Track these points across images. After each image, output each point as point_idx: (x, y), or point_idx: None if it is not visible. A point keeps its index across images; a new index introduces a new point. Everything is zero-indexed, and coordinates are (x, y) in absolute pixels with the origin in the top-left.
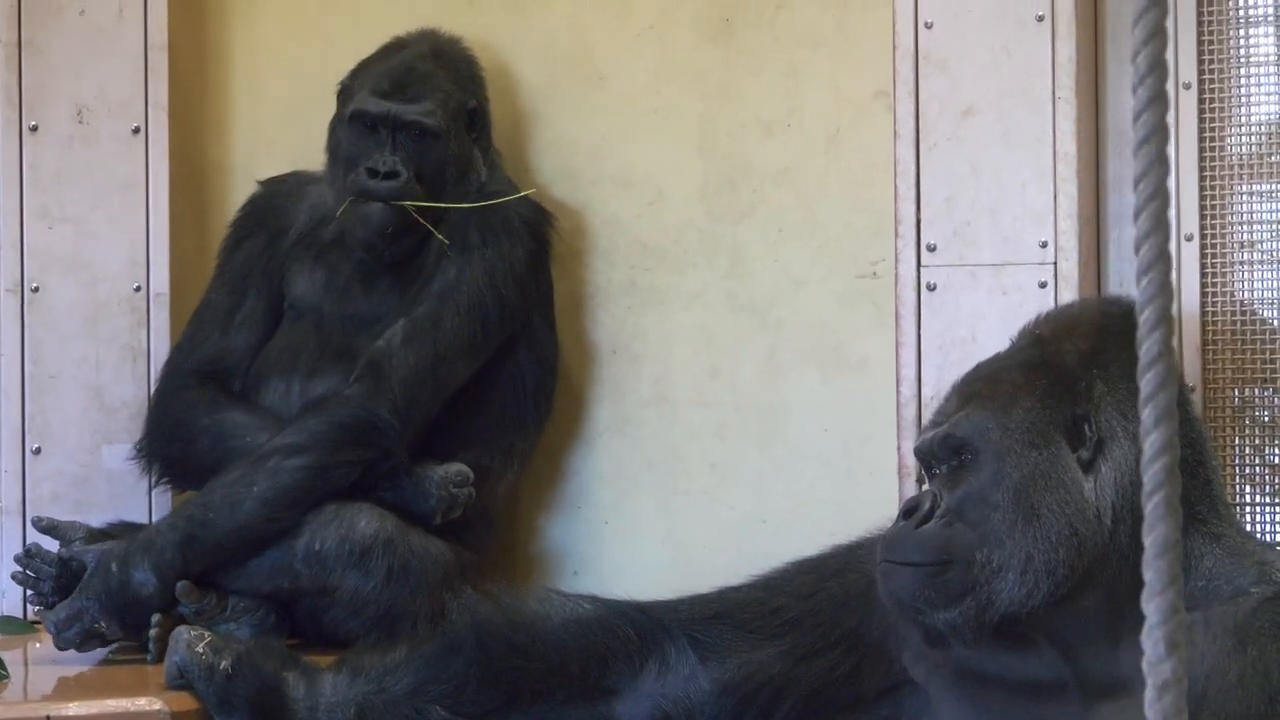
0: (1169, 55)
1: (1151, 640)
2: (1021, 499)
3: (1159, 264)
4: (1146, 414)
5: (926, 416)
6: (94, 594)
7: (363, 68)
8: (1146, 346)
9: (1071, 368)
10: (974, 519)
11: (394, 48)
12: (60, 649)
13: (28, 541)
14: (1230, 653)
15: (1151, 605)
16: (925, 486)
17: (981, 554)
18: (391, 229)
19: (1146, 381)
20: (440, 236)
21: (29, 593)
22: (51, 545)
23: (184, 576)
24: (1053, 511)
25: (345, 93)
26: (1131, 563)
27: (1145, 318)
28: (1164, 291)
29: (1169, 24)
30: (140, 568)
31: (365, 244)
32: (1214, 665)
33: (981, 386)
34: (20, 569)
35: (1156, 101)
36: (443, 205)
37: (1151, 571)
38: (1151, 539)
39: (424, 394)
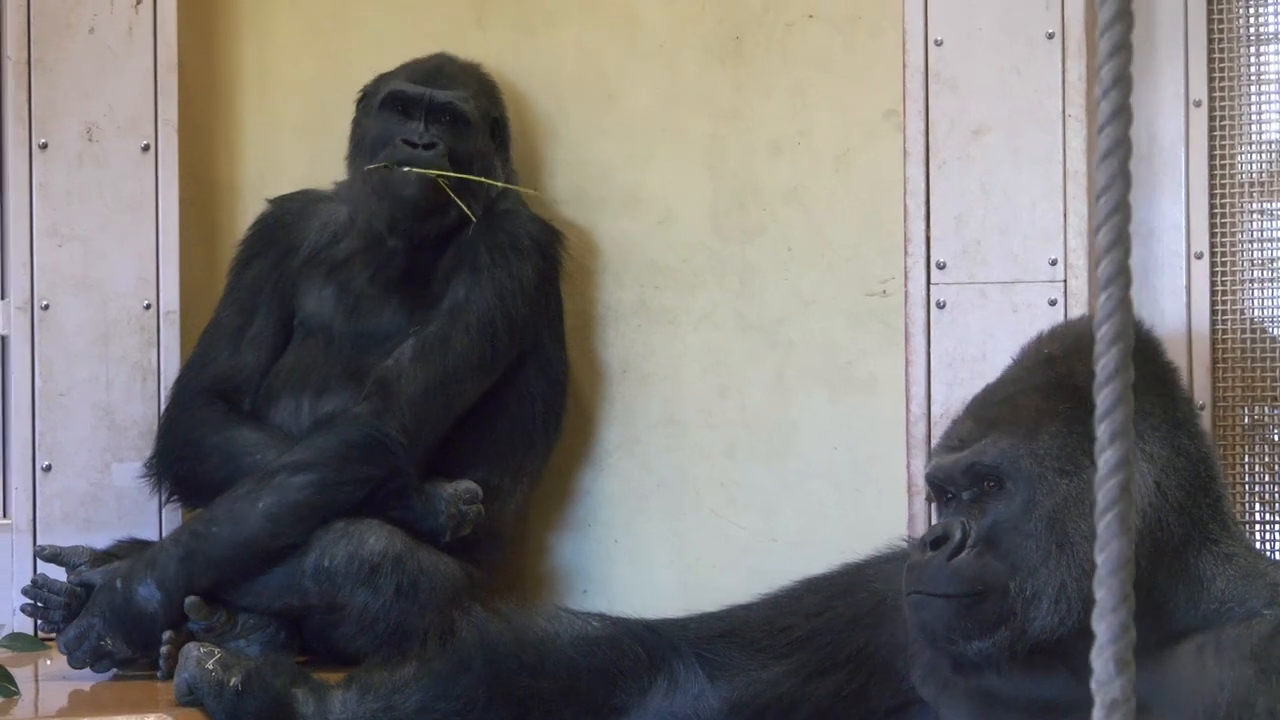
0: (1179, 72)
1: (1101, 659)
2: (1055, 527)
3: (1119, 279)
4: (1102, 430)
5: (936, 436)
6: (99, 612)
7: (385, 75)
8: (1104, 363)
9: (1088, 389)
10: (1004, 548)
11: (418, 59)
12: (75, 668)
13: (37, 558)
14: (1253, 682)
15: (1102, 624)
16: (934, 507)
17: (1015, 584)
18: (424, 202)
19: (1103, 397)
20: (481, 180)
21: (40, 622)
22: (59, 573)
23: (189, 591)
24: (1085, 539)
25: (369, 95)
26: (1145, 587)
27: (1103, 333)
28: (1123, 307)
29: (1178, 39)
30: (144, 583)
31: (391, 220)
32: (1235, 695)
33: (1001, 411)
34: (29, 600)
35: (1120, 115)
36: (477, 179)
37: (1104, 590)
38: (1104, 557)
39: (433, 413)
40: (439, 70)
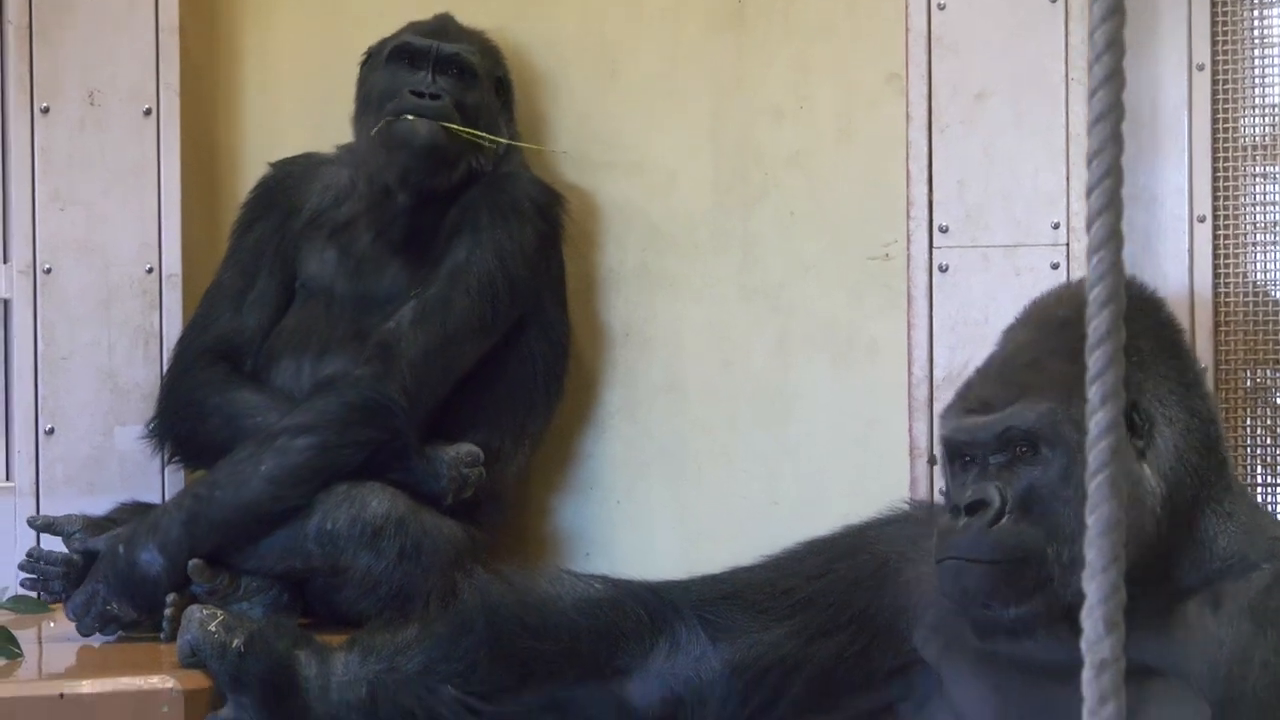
0: (1182, 36)
1: (1091, 619)
2: None
3: (1110, 242)
4: (1093, 392)
5: (939, 399)
6: (103, 577)
7: (389, 36)
8: (1095, 324)
9: None
10: (1040, 514)
11: (419, 21)
12: (84, 634)
13: (52, 515)
14: (1250, 637)
15: (1093, 584)
16: (939, 470)
17: (1052, 550)
18: (432, 153)
19: (1095, 359)
20: (486, 136)
21: (42, 594)
22: (55, 543)
23: (191, 555)
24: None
25: (375, 53)
26: (1159, 550)
27: (1095, 295)
28: (1115, 270)
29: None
30: (146, 548)
31: (401, 171)
32: (1234, 651)
33: (1028, 376)
34: (28, 575)
35: (1113, 79)
36: (485, 137)
37: (1094, 550)
38: (1095, 518)
39: (433, 375)
40: (444, 26)
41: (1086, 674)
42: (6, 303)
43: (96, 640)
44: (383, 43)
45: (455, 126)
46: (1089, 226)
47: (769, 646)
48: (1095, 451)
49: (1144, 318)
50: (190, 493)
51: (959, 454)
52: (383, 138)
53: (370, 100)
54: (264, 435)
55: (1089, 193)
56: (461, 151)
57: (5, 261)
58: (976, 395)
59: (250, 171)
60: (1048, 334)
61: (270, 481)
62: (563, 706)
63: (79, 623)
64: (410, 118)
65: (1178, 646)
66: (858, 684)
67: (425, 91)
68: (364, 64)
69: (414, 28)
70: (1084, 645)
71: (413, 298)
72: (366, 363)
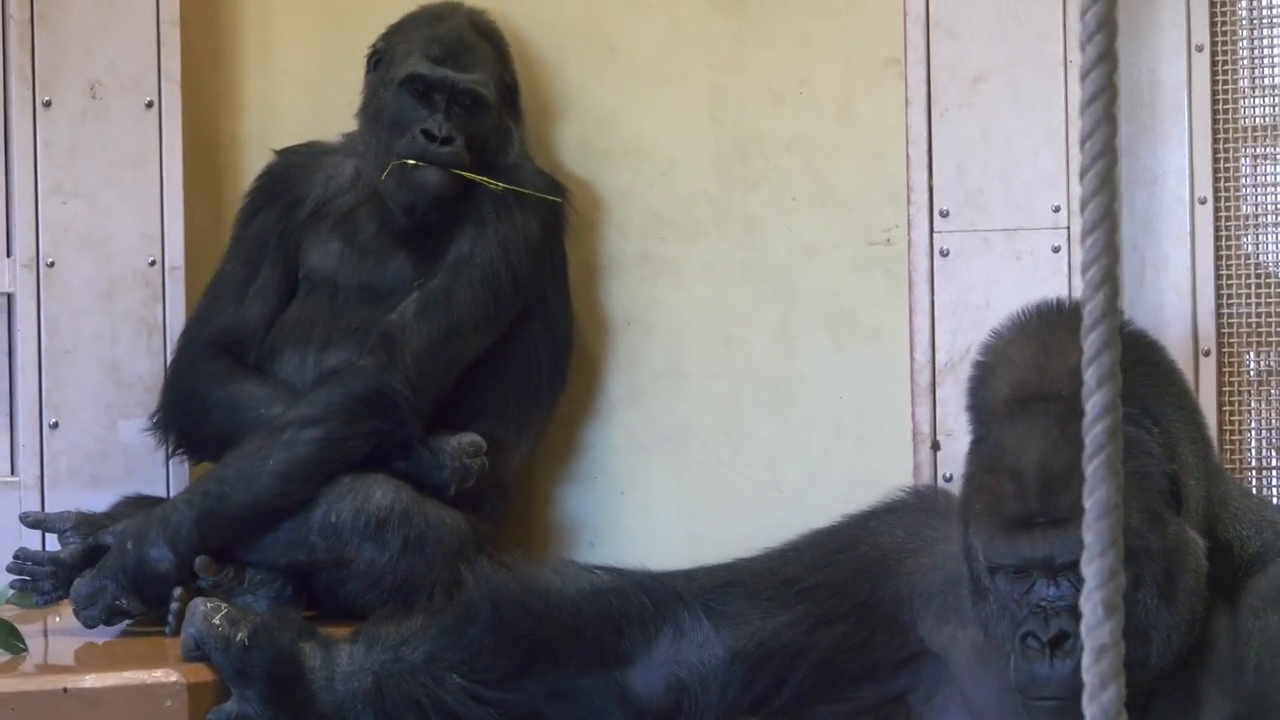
0: (1180, 16)
1: (1090, 604)
2: (1164, 589)
3: (1104, 223)
4: (1090, 374)
5: (943, 383)
6: (111, 573)
7: (400, 32)
8: (1090, 307)
9: (1133, 433)
10: None
11: (431, 17)
12: (88, 627)
13: (45, 512)
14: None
15: (1091, 569)
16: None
17: (1133, 656)
18: (441, 200)
19: (1090, 342)
20: (493, 182)
21: (38, 598)
22: (50, 541)
23: (201, 551)
24: (1187, 591)
25: (384, 56)
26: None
27: (1090, 277)
28: (1108, 252)
29: None
30: (157, 545)
31: (408, 208)
32: (1264, 644)
33: (1076, 492)
34: (17, 576)
35: (1105, 59)
36: (493, 184)
37: (1091, 534)
38: (1092, 501)
39: (437, 366)
40: (459, 43)
41: (1086, 659)
42: (10, 296)
43: (101, 634)
44: (390, 42)
45: (465, 173)
46: (1083, 208)
47: (771, 634)
48: (1092, 434)
49: (1158, 376)
50: (200, 489)
51: (1023, 570)
52: (395, 177)
53: (380, 119)
54: (271, 429)
55: (1082, 175)
56: (468, 186)
57: (8, 255)
58: (1019, 511)
59: (253, 162)
60: (1066, 425)
61: (279, 477)
62: (567, 694)
63: (83, 614)
64: (421, 163)
65: (1205, 650)
66: (862, 674)
67: (438, 134)
68: (374, 63)
69: (425, 43)
70: (1084, 629)
71: (416, 289)
72: (370, 354)
